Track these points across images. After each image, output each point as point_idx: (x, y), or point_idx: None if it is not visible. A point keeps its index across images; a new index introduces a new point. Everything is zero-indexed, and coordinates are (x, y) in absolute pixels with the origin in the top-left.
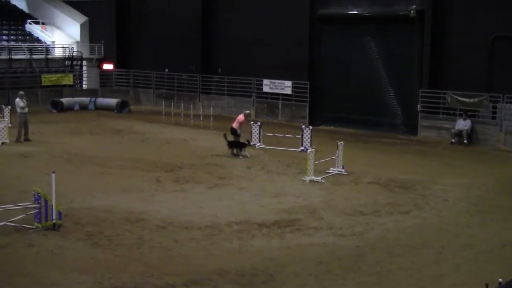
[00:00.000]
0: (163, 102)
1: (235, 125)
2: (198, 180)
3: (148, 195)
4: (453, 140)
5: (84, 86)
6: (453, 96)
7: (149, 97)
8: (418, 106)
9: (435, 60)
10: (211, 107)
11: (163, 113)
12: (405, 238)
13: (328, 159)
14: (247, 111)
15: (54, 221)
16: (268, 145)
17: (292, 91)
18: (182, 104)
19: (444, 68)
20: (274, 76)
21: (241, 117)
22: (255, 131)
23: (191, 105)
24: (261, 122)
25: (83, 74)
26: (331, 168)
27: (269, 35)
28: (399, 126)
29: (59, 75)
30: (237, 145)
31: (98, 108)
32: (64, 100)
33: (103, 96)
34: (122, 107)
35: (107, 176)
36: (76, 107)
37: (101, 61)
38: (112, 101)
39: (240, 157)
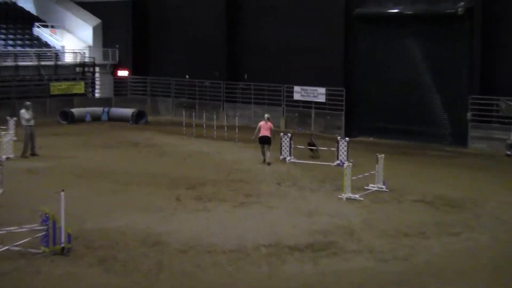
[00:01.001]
0: (184, 112)
1: (268, 133)
2: (222, 198)
3: (167, 215)
4: (508, 152)
5: (96, 95)
6: (508, 103)
7: (168, 106)
8: (468, 114)
9: (486, 63)
10: (237, 117)
11: (184, 124)
12: (454, 262)
13: (367, 174)
14: (266, 115)
15: (63, 245)
16: (300, 159)
17: (326, 99)
18: (204, 114)
19: (497, 71)
20: (306, 83)
21: (264, 123)
22: (285, 143)
23: (214, 115)
24: (291, 133)
25: (96, 82)
26: (371, 185)
27: (300, 38)
28: (446, 137)
29: (69, 83)
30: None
31: (112, 119)
32: (75, 110)
33: (118, 106)
34: (138, 117)
35: (122, 194)
36: (88, 118)
37: (115, 67)
38: (128, 111)
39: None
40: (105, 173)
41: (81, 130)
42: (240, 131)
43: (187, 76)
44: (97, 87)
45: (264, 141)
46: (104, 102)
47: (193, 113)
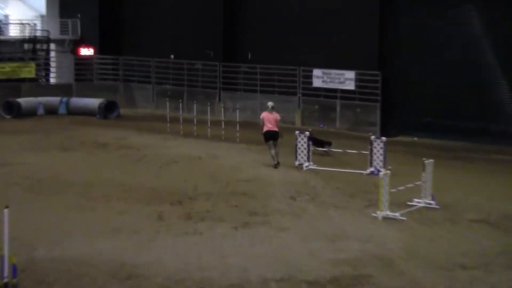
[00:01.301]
0: (168, 103)
1: (274, 126)
2: (219, 216)
3: (146, 240)
4: None
5: (52, 80)
6: None
7: (147, 96)
8: None
9: None
10: (237, 110)
11: (168, 119)
12: None
13: (411, 185)
14: (270, 103)
15: (6, 280)
16: (321, 165)
17: (356, 86)
18: (195, 105)
19: None
20: (330, 65)
21: (268, 114)
22: (302, 145)
23: (208, 107)
24: (310, 132)
25: (51, 63)
26: (415, 200)
27: (322, 6)
28: None
29: (15, 64)
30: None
31: (72, 112)
32: (23, 100)
33: (80, 95)
34: (108, 110)
35: (87, 212)
36: (40, 111)
37: (77, 44)
38: (93, 103)
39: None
40: (64, 184)
41: (32, 127)
42: (242, 128)
43: (172, 56)
44: (52, 70)
45: (271, 136)
46: (63, 89)
47: (181, 105)
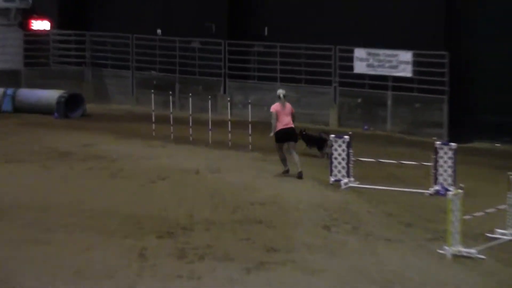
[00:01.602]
0: (153, 96)
1: (290, 121)
2: (224, 254)
3: (123, 286)
4: None
5: None
6: None
7: (124, 86)
8: None
9: None
10: (249, 106)
11: (154, 118)
12: None
13: (491, 210)
14: (281, 91)
15: None
16: (365, 182)
17: (415, 72)
18: (190, 100)
19: None
20: (377, 43)
21: (280, 107)
22: (340, 154)
23: (209, 101)
24: (350, 135)
25: None
26: (498, 230)
27: None
28: None
29: None
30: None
31: (21, 109)
32: None
33: (32, 86)
34: (70, 107)
35: (40, 248)
36: None
37: (27, 15)
38: (50, 96)
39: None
40: (9, 209)
41: None
42: (256, 131)
43: (159, 32)
44: None
45: (287, 136)
46: (7, 78)
47: (171, 99)
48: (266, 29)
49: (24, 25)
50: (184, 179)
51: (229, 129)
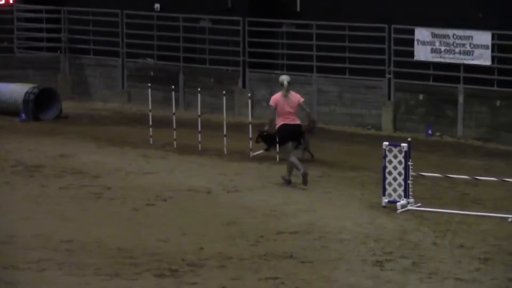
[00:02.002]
0: (150, 91)
1: (294, 116)
2: None
3: None
4: None
5: None
6: None
7: (112, 78)
8: None
9: None
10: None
11: (151, 120)
12: None
13: None
14: (285, 77)
15: None
16: (429, 204)
17: (495, 60)
18: (199, 96)
19: None
20: (444, 21)
21: (282, 97)
22: (395, 167)
23: (224, 98)
24: (409, 143)
25: None
26: None
27: None
28: None
29: None
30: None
31: None
32: None
33: None
34: (41, 106)
35: None
36: None
37: None
38: (15, 92)
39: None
40: None
41: None
42: None
43: (157, 7)
44: None
45: (291, 133)
46: None
47: (174, 95)
48: (298, 3)
49: None
50: (191, 201)
51: (250, 134)
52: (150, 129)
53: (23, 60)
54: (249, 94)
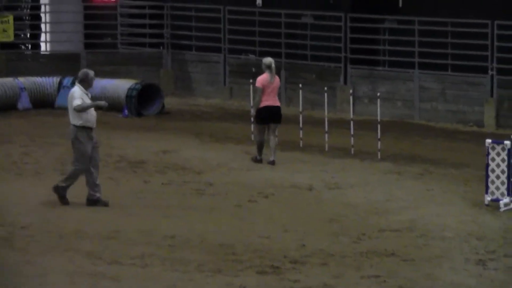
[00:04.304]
0: (251, 86)
1: (276, 98)
2: None
3: None
4: None
5: (44, 46)
6: None
7: (214, 74)
8: None
9: None
10: (378, 100)
11: (252, 118)
12: None
13: None
14: (270, 59)
15: None
16: None
17: None
18: (300, 93)
19: None
20: None
21: (268, 79)
22: (498, 165)
23: (325, 94)
24: None
25: (42, 16)
26: None
27: None
28: None
29: None
30: None
31: None
32: None
33: (95, 74)
34: (144, 101)
35: (108, 283)
36: (24, 103)
37: None
38: (119, 87)
39: None
40: (69, 235)
41: (9, 131)
42: (387, 133)
43: (259, 2)
44: (44, 28)
45: (273, 115)
46: (63, 63)
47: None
48: None
49: None
50: (293, 198)
51: (352, 131)
52: (252, 125)
53: (126, 56)
54: (351, 90)
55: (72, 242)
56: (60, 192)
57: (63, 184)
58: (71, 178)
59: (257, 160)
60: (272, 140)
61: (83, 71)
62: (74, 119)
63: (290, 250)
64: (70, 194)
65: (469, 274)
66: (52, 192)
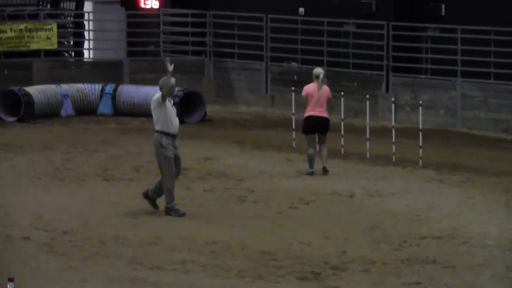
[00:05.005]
0: (293, 94)
1: (323, 109)
2: None
3: None
4: None
5: (87, 54)
6: None
7: (256, 82)
8: None
9: None
10: (420, 108)
11: (294, 124)
12: None
13: None
14: (320, 70)
15: None
16: None
17: None
18: (342, 100)
19: None
20: None
21: (315, 89)
22: None
23: (367, 102)
24: None
25: (85, 24)
26: None
27: None
28: None
29: (21, 25)
30: None
31: (123, 111)
32: (36, 91)
33: (138, 81)
34: (186, 109)
35: None
36: (67, 110)
37: None
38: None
39: None
40: (110, 242)
41: (51, 139)
42: (429, 141)
43: (301, 10)
44: (87, 36)
45: (316, 125)
46: (106, 71)
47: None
48: (443, 7)
49: (128, 3)
50: (334, 205)
51: (393, 139)
52: (293, 132)
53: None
54: (393, 99)
55: (113, 248)
56: (176, 215)
57: (172, 207)
58: (169, 192)
59: (309, 173)
60: (322, 150)
61: (162, 79)
62: (157, 125)
63: (331, 256)
64: (110, 199)
65: (511, 282)
66: (93, 198)
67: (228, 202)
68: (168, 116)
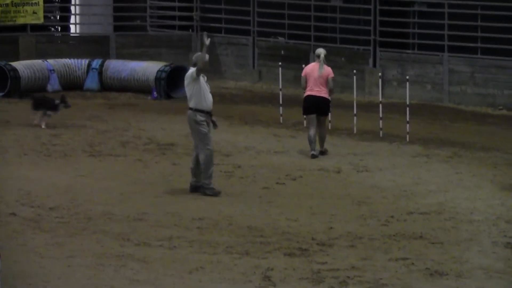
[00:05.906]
0: (280, 69)
1: (322, 88)
2: (374, 279)
3: None
4: None
5: (73, 28)
6: None
7: (243, 57)
8: None
9: None
10: (407, 83)
11: (281, 99)
12: None
13: None
14: (321, 50)
15: None
16: None
17: None
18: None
19: None
20: None
21: (315, 69)
22: None
23: (354, 77)
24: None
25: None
26: None
27: None
28: None
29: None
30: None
31: (109, 86)
32: (22, 66)
33: (124, 56)
34: (172, 84)
35: (139, 264)
36: (53, 85)
37: None
38: (146, 70)
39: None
40: (97, 218)
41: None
42: (416, 116)
43: None
44: (73, 9)
45: (315, 105)
46: (92, 45)
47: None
48: None
49: None
50: (321, 180)
51: (381, 114)
52: (281, 108)
53: (155, 38)
54: (380, 74)
55: (100, 224)
56: (211, 193)
57: (208, 184)
58: (208, 167)
59: (312, 156)
60: (322, 132)
61: (196, 54)
62: (191, 102)
63: (318, 232)
64: (97, 175)
65: (498, 257)
66: (80, 174)
67: (215, 177)
68: (202, 93)
